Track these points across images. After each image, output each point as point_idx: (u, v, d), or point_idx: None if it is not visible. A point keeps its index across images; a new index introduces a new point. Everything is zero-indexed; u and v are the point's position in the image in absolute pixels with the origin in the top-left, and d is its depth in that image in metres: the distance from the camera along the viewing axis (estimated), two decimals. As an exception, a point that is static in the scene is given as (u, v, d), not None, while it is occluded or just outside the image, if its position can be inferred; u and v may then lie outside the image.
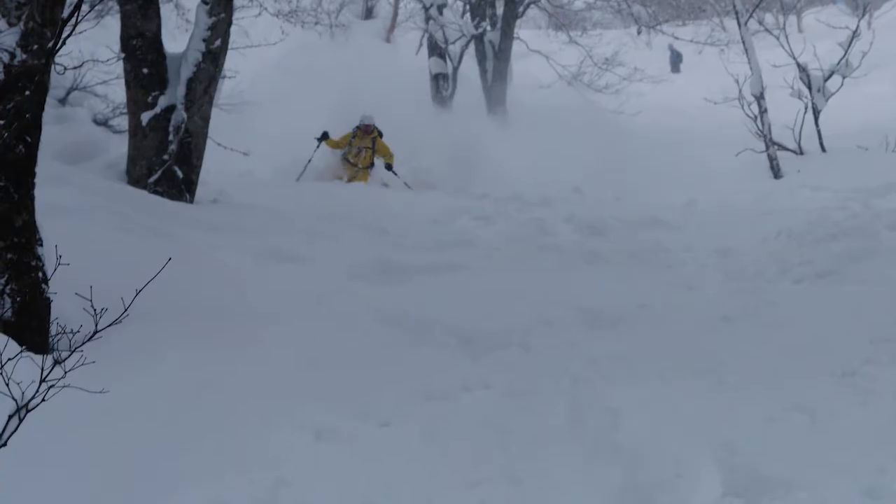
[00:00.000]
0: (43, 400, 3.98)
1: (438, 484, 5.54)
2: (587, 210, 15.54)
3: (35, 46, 6.32)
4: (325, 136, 19.31)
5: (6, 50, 6.25)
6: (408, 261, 11.37)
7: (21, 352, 4.30)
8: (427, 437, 6.22)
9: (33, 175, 6.61)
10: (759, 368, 7.20)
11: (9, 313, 6.38)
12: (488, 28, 27.87)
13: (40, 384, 3.97)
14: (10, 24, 6.30)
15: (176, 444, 5.79)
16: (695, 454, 5.64)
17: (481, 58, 27.49)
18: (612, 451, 5.86)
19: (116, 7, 14.54)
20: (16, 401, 3.91)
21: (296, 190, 17.26)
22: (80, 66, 9.01)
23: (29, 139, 6.51)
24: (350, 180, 19.02)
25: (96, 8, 18.15)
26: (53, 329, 6.52)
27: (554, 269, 11.42)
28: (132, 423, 5.94)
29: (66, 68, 6.73)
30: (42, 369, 4.03)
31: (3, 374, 3.94)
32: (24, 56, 6.29)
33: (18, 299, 6.46)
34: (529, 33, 31.46)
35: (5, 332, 5.84)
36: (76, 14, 5.57)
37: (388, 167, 19.38)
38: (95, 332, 4.31)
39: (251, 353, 7.50)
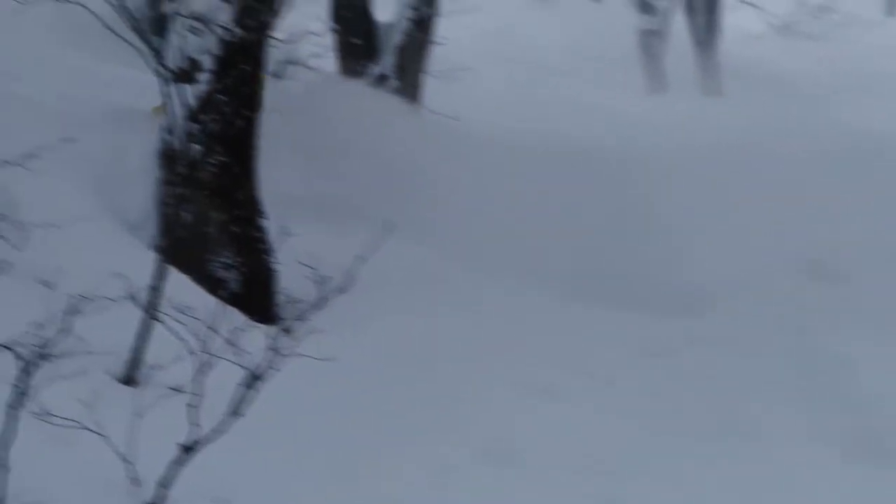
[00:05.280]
0: (274, 368, 4.07)
1: (663, 440, 5.51)
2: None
3: (250, 21, 6.52)
4: None
5: (222, 26, 6.44)
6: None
7: (250, 323, 4.41)
8: (650, 393, 6.18)
9: (253, 149, 6.79)
10: None
11: (237, 286, 6.57)
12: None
13: (270, 354, 4.06)
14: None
15: (400, 407, 5.87)
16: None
17: (690, 10, 26.91)
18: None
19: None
20: (248, 370, 4.02)
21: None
22: (295, 40, 9.13)
23: (248, 114, 6.70)
24: None
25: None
26: (280, 299, 6.64)
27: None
28: (357, 387, 6.03)
29: (279, 41, 6.91)
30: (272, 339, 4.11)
31: (235, 345, 4.05)
32: (240, 31, 6.49)
33: (245, 271, 6.66)
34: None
35: (234, 305, 5.97)
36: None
37: None
38: (322, 301, 4.37)
39: (468, 316, 7.52)
